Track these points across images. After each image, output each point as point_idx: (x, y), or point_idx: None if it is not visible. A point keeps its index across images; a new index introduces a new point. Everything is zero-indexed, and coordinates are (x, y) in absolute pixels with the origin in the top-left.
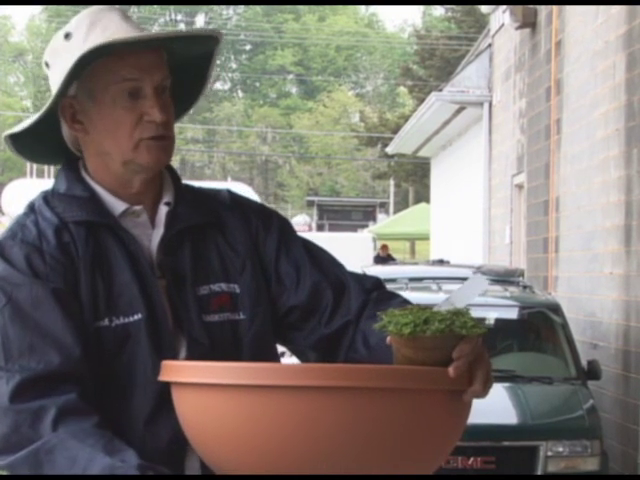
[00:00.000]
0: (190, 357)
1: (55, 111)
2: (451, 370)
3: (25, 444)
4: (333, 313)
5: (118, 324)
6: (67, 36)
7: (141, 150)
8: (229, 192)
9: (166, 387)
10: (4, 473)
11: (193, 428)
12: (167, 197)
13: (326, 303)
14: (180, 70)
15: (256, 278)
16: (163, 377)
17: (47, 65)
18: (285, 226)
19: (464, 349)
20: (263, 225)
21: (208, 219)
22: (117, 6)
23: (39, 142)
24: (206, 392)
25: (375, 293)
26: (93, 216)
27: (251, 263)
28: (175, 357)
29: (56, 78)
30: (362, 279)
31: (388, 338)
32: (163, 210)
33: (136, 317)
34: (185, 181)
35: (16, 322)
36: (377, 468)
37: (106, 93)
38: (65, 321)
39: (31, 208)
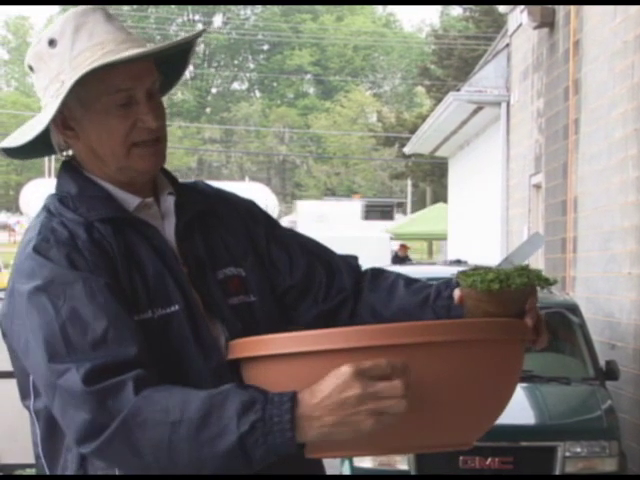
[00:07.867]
0: (231, 340)
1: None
2: (529, 320)
3: (110, 422)
4: (328, 289)
5: (161, 314)
6: (51, 43)
7: (134, 157)
8: (203, 183)
9: (217, 371)
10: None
11: None
12: (168, 188)
13: (319, 280)
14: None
15: (256, 262)
16: (236, 354)
17: (31, 69)
18: (266, 213)
19: (534, 301)
20: (249, 214)
21: (208, 207)
22: (100, 6)
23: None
24: (305, 360)
25: (369, 269)
26: (117, 212)
27: (250, 248)
28: (215, 342)
29: (42, 84)
30: (346, 257)
31: (459, 296)
32: (170, 200)
33: (174, 308)
34: (205, 181)
35: (76, 320)
36: (466, 417)
37: (98, 102)
38: (123, 311)
39: (49, 211)
